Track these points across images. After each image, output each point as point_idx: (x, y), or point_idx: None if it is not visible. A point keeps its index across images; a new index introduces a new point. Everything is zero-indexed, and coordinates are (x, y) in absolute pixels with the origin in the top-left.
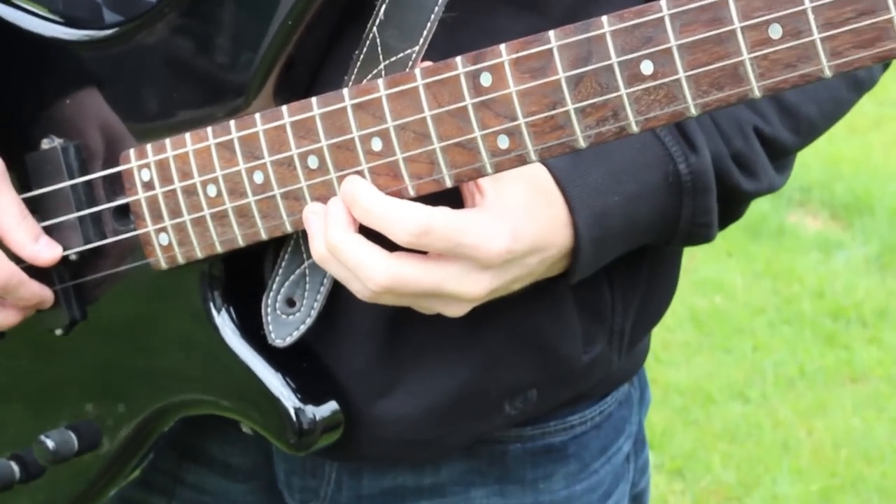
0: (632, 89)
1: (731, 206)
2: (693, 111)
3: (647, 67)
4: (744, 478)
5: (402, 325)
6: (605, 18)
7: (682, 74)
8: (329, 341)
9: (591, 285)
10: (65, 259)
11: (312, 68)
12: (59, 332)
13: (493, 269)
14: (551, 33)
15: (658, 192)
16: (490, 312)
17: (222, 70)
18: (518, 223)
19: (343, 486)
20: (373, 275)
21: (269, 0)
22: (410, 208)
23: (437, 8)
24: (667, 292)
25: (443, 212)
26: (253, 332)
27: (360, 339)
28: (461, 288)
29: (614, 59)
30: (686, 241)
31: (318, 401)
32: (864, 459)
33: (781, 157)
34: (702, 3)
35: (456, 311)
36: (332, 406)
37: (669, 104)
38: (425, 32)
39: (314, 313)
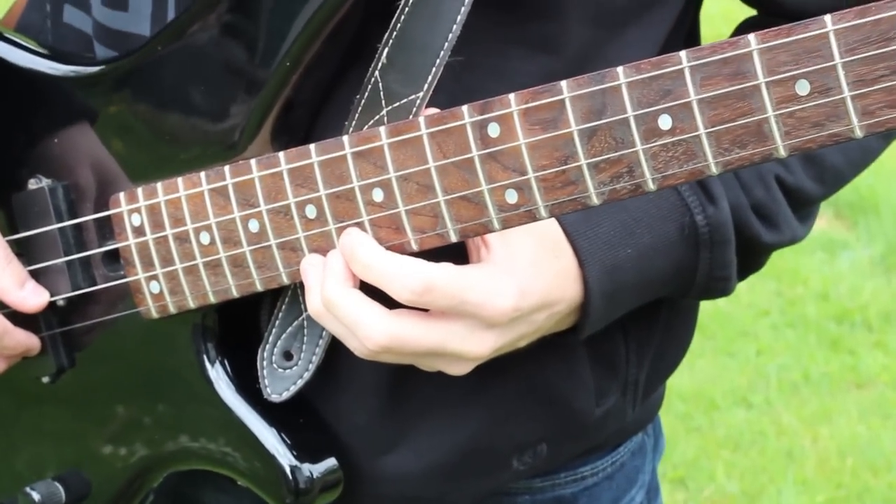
0: (649, 145)
1: (751, 258)
2: (714, 170)
3: (665, 122)
4: (748, 488)
5: (406, 378)
6: (620, 70)
7: (702, 131)
8: (328, 396)
9: (604, 336)
10: (52, 305)
11: (312, 111)
12: (45, 379)
13: (499, 327)
14: (563, 84)
15: (674, 244)
16: (498, 366)
17: (217, 112)
18: (525, 279)
19: None
20: (371, 333)
21: (266, 40)
22: (412, 265)
23: (442, 52)
24: (684, 340)
25: (446, 268)
26: (248, 385)
27: (362, 394)
28: (464, 347)
29: (630, 113)
30: (703, 294)
31: (316, 458)
32: (870, 469)
33: (805, 207)
34: (724, 55)
35: (459, 369)
36: (330, 463)
37: (689, 161)
38: (430, 77)
39: (312, 367)
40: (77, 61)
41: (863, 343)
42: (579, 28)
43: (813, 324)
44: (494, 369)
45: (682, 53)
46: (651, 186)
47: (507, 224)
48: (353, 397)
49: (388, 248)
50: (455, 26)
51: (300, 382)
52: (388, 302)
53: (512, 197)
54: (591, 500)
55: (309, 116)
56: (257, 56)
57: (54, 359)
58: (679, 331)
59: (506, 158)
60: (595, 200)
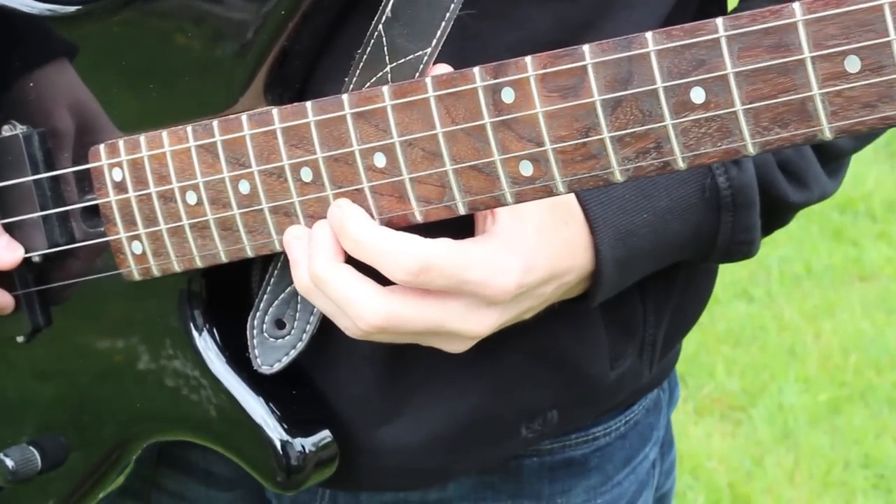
0: (679, 120)
1: (777, 217)
2: (751, 150)
3: (697, 95)
4: (748, 385)
5: (405, 346)
6: (649, 35)
7: (739, 107)
8: (324, 365)
9: (620, 297)
10: (27, 261)
11: (308, 63)
12: (20, 339)
13: (501, 304)
14: (586, 48)
15: (693, 207)
16: (506, 331)
17: (206, 60)
18: (530, 253)
19: (339, 501)
20: (363, 313)
21: None
22: (408, 242)
23: (452, 5)
24: (704, 292)
25: (444, 246)
26: (237, 354)
27: (360, 363)
28: (464, 326)
29: (659, 84)
30: (724, 258)
31: (309, 432)
32: (874, 368)
33: (836, 160)
34: (765, 24)
35: (457, 347)
36: (324, 436)
37: (723, 140)
38: (439, 33)
39: (306, 337)
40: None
41: (866, 234)
42: None
43: (815, 213)
44: (501, 334)
45: (719, 21)
46: (681, 165)
47: (520, 198)
48: (349, 367)
49: (390, 219)
50: None
51: (293, 353)
52: (382, 277)
53: (527, 169)
54: (602, 460)
55: (305, 68)
56: (251, 2)
57: (29, 318)
58: (700, 283)
59: (521, 127)
60: (618, 177)
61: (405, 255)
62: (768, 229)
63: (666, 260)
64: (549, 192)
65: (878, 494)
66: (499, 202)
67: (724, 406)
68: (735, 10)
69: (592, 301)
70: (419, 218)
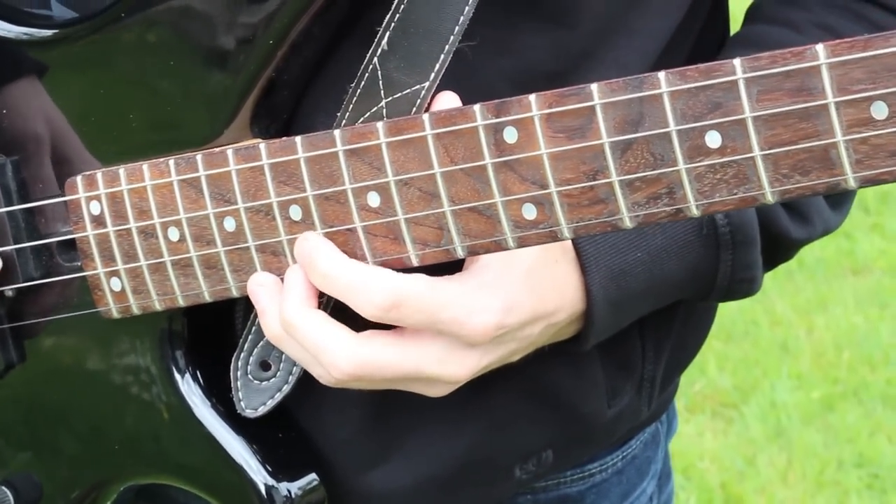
0: (693, 164)
1: (779, 254)
2: (769, 198)
3: (713, 139)
4: (740, 382)
5: None
6: (662, 76)
7: (757, 153)
8: (309, 407)
9: (618, 332)
10: (0, 295)
11: (298, 93)
12: None
13: (481, 346)
14: (594, 88)
15: (690, 246)
16: (499, 368)
17: (189, 89)
18: (513, 292)
19: None
20: (336, 360)
21: (246, 14)
22: (379, 276)
23: (452, 37)
24: (705, 325)
25: (418, 281)
26: (220, 395)
27: (346, 405)
28: (443, 370)
29: (672, 126)
30: (725, 297)
31: (295, 475)
32: (868, 364)
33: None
34: (786, 67)
35: (438, 391)
36: (310, 479)
37: (740, 186)
38: (437, 66)
39: (293, 379)
40: (31, 21)
41: (859, 226)
42: None
43: None
44: (494, 372)
45: (737, 62)
46: (694, 212)
47: (523, 243)
48: (336, 409)
49: (384, 261)
50: (467, 8)
51: (279, 396)
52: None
53: (530, 212)
54: (598, 497)
55: (293, 98)
56: (236, 30)
57: (1, 354)
58: (701, 314)
59: (524, 168)
60: (628, 223)
61: (376, 290)
62: (771, 265)
63: (662, 300)
64: (554, 236)
65: (873, 495)
66: (500, 246)
67: (716, 403)
68: (738, 34)
69: (585, 343)
70: (415, 261)
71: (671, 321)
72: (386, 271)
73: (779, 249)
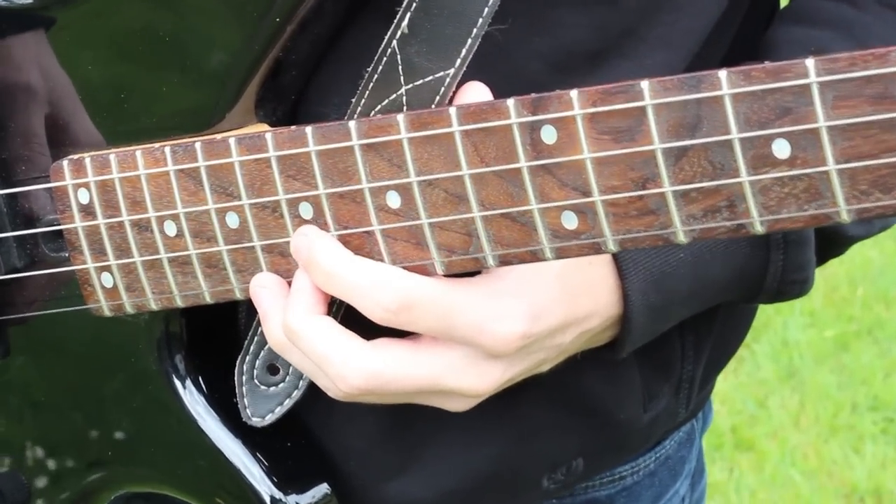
0: (758, 176)
1: (832, 250)
2: (845, 216)
3: (781, 149)
4: None
5: None
6: (723, 75)
7: (832, 166)
8: (321, 414)
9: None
10: None
11: (307, 72)
12: None
13: (505, 357)
14: (645, 85)
15: (736, 245)
16: None
17: (187, 68)
18: (541, 296)
19: None
20: (344, 372)
21: None
22: (388, 275)
23: (481, 20)
24: (747, 319)
25: (433, 282)
26: (222, 400)
27: (362, 411)
28: (463, 383)
29: (735, 133)
30: (773, 299)
31: (305, 487)
32: (883, 301)
33: None
34: (867, 71)
35: (459, 406)
36: (321, 491)
37: (811, 202)
38: (464, 51)
39: (303, 384)
40: None
41: None
42: None
43: None
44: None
45: (810, 63)
46: (758, 228)
47: (562, 254)
48: (350, 416)
49: (406, 268)
50: None
51: (288, 403)
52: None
53: (570, 222)
54: (629, 500)
55: (302, 79)
56: (238, 5)
57: None
58: (744, 309)
59: (564, 173)
60: (681, 238)
61: (384, 290)
62: (822, 261)
63: (706, 304)
64: (597, 249)
65: (888, 440)
66: (536, 257)
67: None
68: (789, 7)
69: (621, 351)
70: (440, 269)
71: (712, 319)
72: (396, 270)
73: (832, 246)
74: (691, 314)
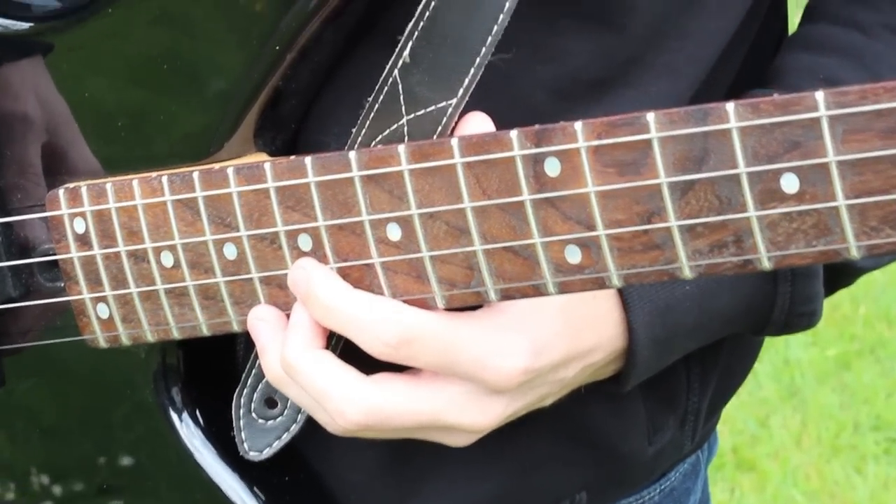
0: (766, 211)
1: (841, 281)
2: (854, 252)
3: (789, 184)
4: None
5: None
6: (731, 108)
7: (841, 201)
8: (320, 447)
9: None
10: None
11: (307, 101)
12: None
13: (508, 392)
14: (650, 117)
15: (743, 278)
16: None
17: (183, 96)
18: (543, 330)
19: None
20: (343, 407)
21: (248, 16)
22: (388, 309)
23: (484, 49)
24: (754, 349)
25: (434, 316)
26: (219, 433)
27: (362, 445)
28: (464, 418)
29: (742, 167)
30: (780, 332)
31: None
32: (885, 320)
33: None
34: (879, 104)
35: (459, 441)
36: None
37: (819, 238)
38: (466, 81)
39: (301, 418)
40: (5, 10)
41: None
42: None
43: None
44: None
45: (819, 95)
46: (765, 264)
47: (565, 289)
48: (349, 450)
49: (406, 301)
50: (502, 16)
51: (286, 437)
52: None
53: (574, 256)
54: None
55: (303, 107)
56: (237, 33)
57: None
58: (750, 339)
59: (568, 206)
60: (687, 273)
61: (384, 324)
62: (831, 292)
63: (712, 336)
64: (601, 283)
65: (891, 461)
66: (538, 291)
67: None
68: (798, 34)
69: (625, 384)
70: (440, 303)
71: (718, 351)
72: (396, 303)
73: (841, 277)
74: (697, 347)
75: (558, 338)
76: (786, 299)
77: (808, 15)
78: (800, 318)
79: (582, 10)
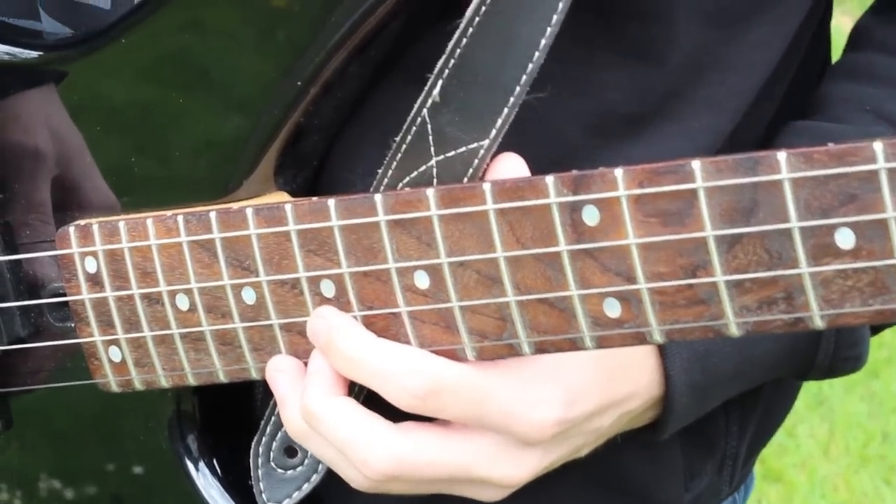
0: (819, 268)
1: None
2: None
3: (845, 239)
4: None
5: None
6: (783, 157)
7: None
8: (342, 497)
9: None
10: None
11: (330, 136)
12: None
13: (541, 444)
14: (696, 165)
15: None
16: None
17: (200, 132)
18: (576, 379)
19: None
20: (369, 457)
21: (272, 48)
22: (414, 358)
23: (518, 88)
24: (793, 389)
25: (462, 367)
26: (237, 484)
27: (388, 498)
28: (496, 471)
29: (794, 221)
30: (825, 376)
31: None
32: None
33: None
34: None
35: (491, 496)
36: None
37: (877, 297)
38: (500, 122)
39: (322, 468)
40: (15, 37)
41: None
42: (689, 28)
43: None
44: None
45: (878, 146)
46: (818, 323)
47: (603, 343)
48: (371, 499)
49: (434, 353)
50: (537, 54)
51: (306, 488)
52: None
53: (613, 309)
54: None
55: (326, 143)
56: (257, 67)
57: None
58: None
59: (607, 257)
60: (733, 330)
61: (411, 375)
62: (876, 332)
63: (753, 382)
64: (642, 339)
65: None
66: (575, 345)
67: None
68: (842, 62)
69: (662, 433)
70: (470, 355)
71: (758, 393)
72: (423, 354)
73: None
74: (738, 392)
75: (593, 386)
76: (830, 343)
77: (853, 42)
78: (845, 362)
79: (620, 43)
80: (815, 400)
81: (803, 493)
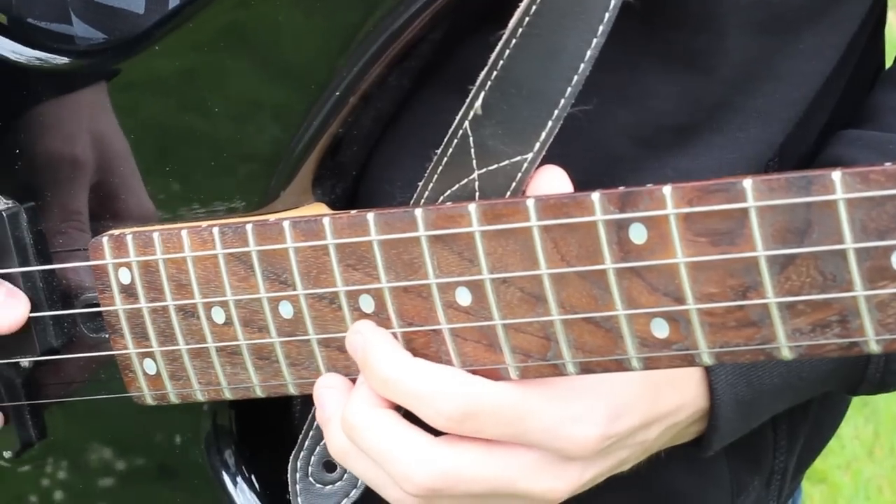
0: (875, 291)
1: None
2: None
3: None
4: None
5: None
6: (837, 176)
7: None
8: None
9: None
10: (16, 365)
11: (369, 146)
12: (7, 454)
13: (584, 459)
14: (748, 183)
15: None
16: None
17: (237, 143)
18: (620, 393)
19: None
20: (411, 471)
21: (310, 58)
22: (449, 379)
23: (563, 100)
24: (845, 400)
25: (499, 387)
26: (275, 498)
27: None
28: (538, 486)
29: (849, 243)
30: (876, 390)
31: None
32: None
33: None
34: None
35: None
36: None
37: None
38: (544, 135)
39: (362, 483)
40: (47, 43)
41: None
42: (740, 37)
43: None
44: None
45: None
46: (874, 348)
47: (650, 365)
48: None
49: (476, 372)
50: (583, 65)
51: (345, 503)
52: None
53: (661, 330)
54: None
55: (365, 153)
56: (295, 78)
57: (17, 433)
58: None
59: (655, 277)
60: (786, 353)
61: (446, 398)
62: None
63: (801, 397)
64: (690, 360)
65: None
66: (621, 366)
67: None
68: (891, 70)
69: (708, 448)
70: (514, 374)
71: (807, 406)
72: (458, 374)
73: None
74: (786, 407)
75: (638, 399)
76: (881, 356)
77: None
78: (895, 375)
79: (668, 52)
80: (859, 401)
81: (848, 495)
